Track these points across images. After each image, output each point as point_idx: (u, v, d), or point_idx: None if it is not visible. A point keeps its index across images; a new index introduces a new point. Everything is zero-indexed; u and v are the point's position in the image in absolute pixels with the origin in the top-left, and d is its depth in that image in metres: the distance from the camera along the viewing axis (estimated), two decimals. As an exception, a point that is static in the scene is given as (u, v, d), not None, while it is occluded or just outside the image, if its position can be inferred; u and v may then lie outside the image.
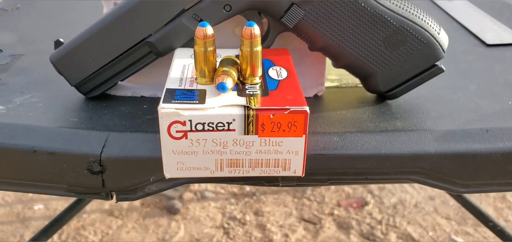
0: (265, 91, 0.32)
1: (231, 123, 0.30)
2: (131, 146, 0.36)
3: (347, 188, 1.24)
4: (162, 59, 0.40)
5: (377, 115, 0.39)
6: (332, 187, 1.24)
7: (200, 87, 0.32)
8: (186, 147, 0.31)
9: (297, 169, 0.32)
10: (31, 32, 0.55)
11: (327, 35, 0.38)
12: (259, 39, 0.32)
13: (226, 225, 1.11)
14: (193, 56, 0.37)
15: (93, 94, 0.41)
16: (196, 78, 0.33)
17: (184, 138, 0.30)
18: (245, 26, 0.32)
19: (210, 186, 1.25)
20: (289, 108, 0.30)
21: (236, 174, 0.32)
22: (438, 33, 0.39)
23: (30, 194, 1.25)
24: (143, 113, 0.40)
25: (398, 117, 0.39)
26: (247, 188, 1.24)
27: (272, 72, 0.35)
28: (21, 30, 0.55)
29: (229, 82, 0.31)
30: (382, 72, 0.40)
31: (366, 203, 1.18)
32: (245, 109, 0.30)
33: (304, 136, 0.31)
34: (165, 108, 0.30)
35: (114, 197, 0.37)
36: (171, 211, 1.16)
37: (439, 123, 0.38)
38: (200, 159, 0.31)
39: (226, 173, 0.32)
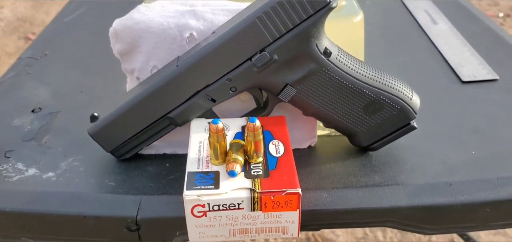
0: (266, 172, 0.40)
1: (241, 203, 0.38)
2: (160, 208, 0.44)
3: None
4: (179, 124, 0.48)
5: (359, 169, 0.47)
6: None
7: (214, 168, 0.41)
8: (206, 222, 0.39)
9: (293, 233, 0.40)
10: (62, 84, 0.63)
11: (316, 105, 0.46)
12: (260, 130, 0.40)
13: None
14: (206, 129, 0.45)
15: (124, 157, 0.49)
16: (210, 159, 0.41)
17: (204, 216, 0.39)
18: (248, 122, 0.40)
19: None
20: (286, 191, 0.38)
21: (246, 239, 0.40)
22: (410, 99, 0.47)
23: None
24: (167, 173, 0.48)
25: (377, 170, 0.47)
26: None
27: (271, 148, 0.43)
28: (53, 82, 0.63)
29: (238, 168, 0.39)
30: (363, 132, 0.48)
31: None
32: (251, 192, 0.38)
33: (298, 210, 0.39)
34: (188, 195, 0.38)
35: (148, 246, 0.46)
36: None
37: (411, 177, 0.46)
38: (217, 229, 0.40)
39: (237, 239, 0.40)
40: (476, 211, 0.44)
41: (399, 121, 0.47)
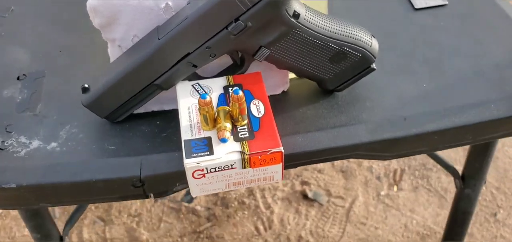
0: (251, 133, 0.47)
1: (233, 164, 0.45)
2: (160, 166, 0.51)
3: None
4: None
5: (328, 111, 0.54)
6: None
7: (206, 134, 0.47)
8: (205, 181, 0.46)
9: (278, 179, 0.48)
10: (38, 44, 0.64)
11: (288, 61, 0.52)
12: (244, 99, 0.46)
13: None
14: (192, 92, 0.51)
15: (117, 120, 0.54)
16: (201, 125, 0.47)
17: (203, 177, 0.46)
18: (233, 93, 0.46)
19: None
20: (270, 150, 0.45)
21: (238, 188, 0.48)
22: (370, 46, 0.53)
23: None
24: (159, 131, 0.54)
25: (343, 111, 0.54)
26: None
27: (253, 108, 0.49)
28: (28, 42, 0.64)
29: (228, 134, 0.46)
30: (330, 78, 0.54)
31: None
32: (241, 155, 0.45)
33: (281, 163, 0.46)
34: (189, 163, 0.45)
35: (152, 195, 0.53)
36: None
37: (371, 114, 0.54)
38: (214, 185, 0.47)
39: (231, 188, 0.48)
40: (426, 139, 0.53)
41: (360, 65, 0.54)
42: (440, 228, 1.14)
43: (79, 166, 0.51)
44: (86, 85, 0.52)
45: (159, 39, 0.49)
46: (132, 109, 0.54)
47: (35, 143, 0.52)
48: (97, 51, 0.61)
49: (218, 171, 0.46)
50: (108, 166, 0.51)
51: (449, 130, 0.53)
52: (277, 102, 0.56)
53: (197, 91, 0.51)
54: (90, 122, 0.54)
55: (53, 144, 0.52)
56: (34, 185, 0.49)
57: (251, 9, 0.47)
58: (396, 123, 0.53)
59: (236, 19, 0.47)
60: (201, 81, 0.52)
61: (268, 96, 0.56)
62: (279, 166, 0.47)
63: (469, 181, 0.68)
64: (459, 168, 0.74)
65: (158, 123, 0.55)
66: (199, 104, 0.46)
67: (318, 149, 0.52)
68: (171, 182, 0.51)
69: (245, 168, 0.46)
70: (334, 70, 0.53)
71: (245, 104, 0.47)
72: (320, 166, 1.27)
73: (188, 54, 0.49)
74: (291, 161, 0.52)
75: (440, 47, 0.61)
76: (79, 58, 0.62)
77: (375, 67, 0.54)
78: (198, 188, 0.47)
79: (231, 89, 0.50)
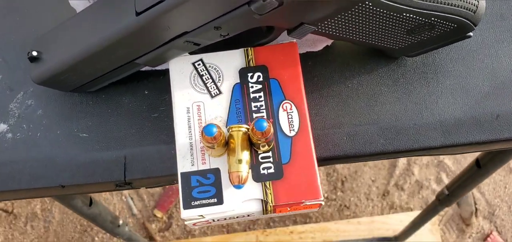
0: (278, 169, 0.32)
1: (251, 214, 0.32)
2: (150, 167, 0.37)
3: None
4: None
5: (389, 89, 0.38)
6: None
7: (212, 163, 0.32)
8: (209, 224, 0.34)
9: (313, 209, 0.35)
10: None
11: (344, 36, 0.33)
12: (271, 132, 0.30)
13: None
14: (193, 78, 0.34)
15: (87, 90, 0.38)
16: (206, 148, 0.32)
17: (208, 223, 0.33)
18: (255, 129, 0.29)
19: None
20: (305, 202, 0.31)
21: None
22: (474, 12, 0.33)
23: None
24: (148, 107, 0.38)
25: (412, 90, 0.38)
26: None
27: (282, 119, 0.33)
28: None
29: (244, 177, 0.31)
30: (401, 48, 0.36)
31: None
32: (262, 204, 0.31)
33: (318, 208, 0.33)
34: (188, 218, 0.31)
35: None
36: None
37: (451, 102, 0.37)
38: (222, 221, 0.34)
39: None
40: (516, 141, 0.38)
41: (452, 35, 0.35)
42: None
43: (40, 166, 0.37)
44: (35, 53, 0.35)
45: (137, 13, 0.30)
46: (108, 82, 0.37)
47: (-23, 121, 0.38)
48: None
49: (229, 219, 0.33)
50: (80, 165, 0.37)
51: (558, 137, 0.37)
52: (316, 67, 0.39)
53: (201, 77, 0.34)
54: (52, 96, 0.39)
55: (3, 126, 0.38)
56: (-16, 192, 0.37)
57: None
58: (483, 122, 0.37)
59: None
60: (206, 58, 0.34)
61: (305, 54, 0.39)
62: (315, 209, 0.34)
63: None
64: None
65: (146, 92, 0.39)
66: (203, 140, 0.30)
67: (369, 152, 0.37)
68: (165, 181, 0.39)
69: (267, 213, 0.33)
70: (411, 40, 0.35)
71: (272, 134, 0.31)
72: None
73: (185, 33, 0.31)
74: (327, 162, 0.38)
75: None
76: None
77: (471, 34, 0.35)
78: (203, 226, 0.35)
79: (252, 83, 0.33)
